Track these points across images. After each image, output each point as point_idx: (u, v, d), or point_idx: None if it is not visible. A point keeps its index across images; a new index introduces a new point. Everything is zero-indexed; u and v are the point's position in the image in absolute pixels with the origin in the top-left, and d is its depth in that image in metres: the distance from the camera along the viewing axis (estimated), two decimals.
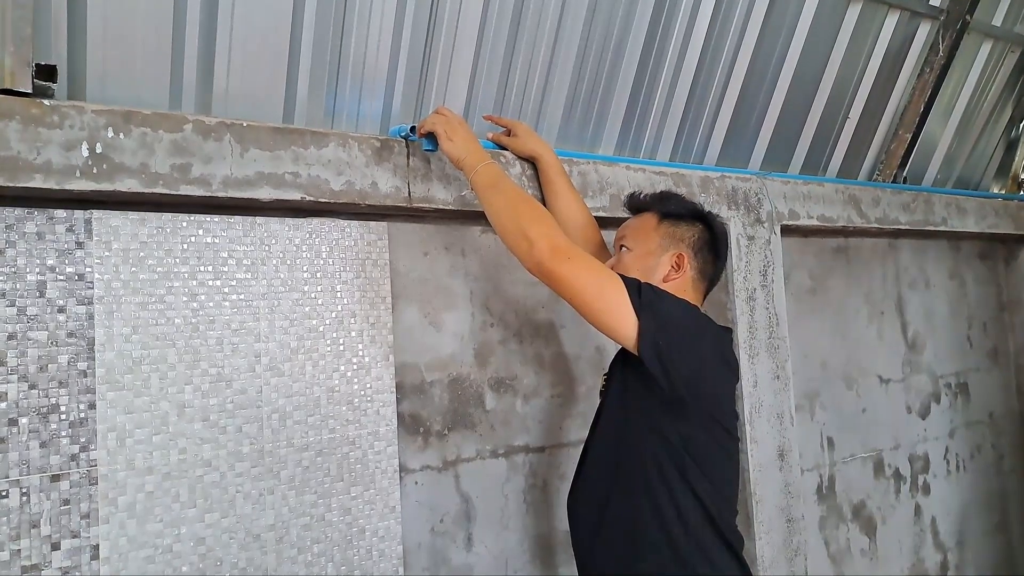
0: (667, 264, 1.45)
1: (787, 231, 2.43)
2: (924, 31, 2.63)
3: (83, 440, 1.29)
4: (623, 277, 1.31)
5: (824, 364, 2.63)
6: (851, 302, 2.73)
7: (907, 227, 2.68)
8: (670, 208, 1.51)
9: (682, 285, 1.44)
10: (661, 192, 1.62)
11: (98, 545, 1.29)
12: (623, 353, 1.42)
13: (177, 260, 1.41)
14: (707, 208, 1.56)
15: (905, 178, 2.82)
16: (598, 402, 1.58)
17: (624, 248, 1.51)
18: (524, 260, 1.32)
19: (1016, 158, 3.26)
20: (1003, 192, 3.31)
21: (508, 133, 1.75)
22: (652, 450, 1.34)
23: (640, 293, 1.28)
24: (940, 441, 2.98)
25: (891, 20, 2.53)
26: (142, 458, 1.35)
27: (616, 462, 1.41)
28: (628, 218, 1.58)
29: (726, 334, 1.48)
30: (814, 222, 2.39)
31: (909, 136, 2.73)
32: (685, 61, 2.15)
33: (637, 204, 1.57)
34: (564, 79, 1.97)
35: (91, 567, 1.29)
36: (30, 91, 1.20)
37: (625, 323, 1.27)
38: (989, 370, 3.21)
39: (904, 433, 2.85)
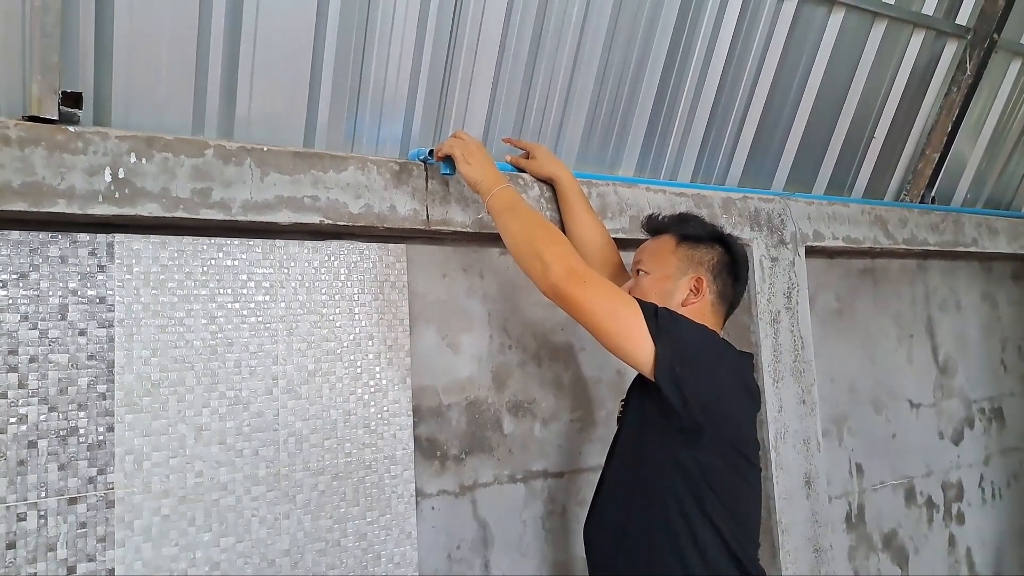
0: (685, 288, 1.42)
1: (812, 252, 2.39)
2: (951, 50, 2.59)
3: (101, 463, 1.30)
4: (640, 301, 1.29)
5: (852, 388, 2.57)
6: (879, 324, 2.67)
7: (936, 248, 2.62)
8: (688, 230, 1.48)
9: (701, 309, 1.41)
10: (680, 214, 1.60)
11: (113, 569, 1.29)
12: (640, 379, 1.39)
13: (197, 283, 1.42)
14: (728, 230, 1.54)
15: (933, 198, 2.76)
16: (616, 428, 1.55)
17: (641, 271, 1.49)
18: (539, 283, 1.31)
19: None
20: None
21: (527, 155, 1.75)
22: (670, 480, 1.31)
23: (657, 317, 1.26)
24: (974, 468, 2.89)
25: (916, 39, 2.50)
26: (159, 481, 1.35)
27: (633, 491, 1.38)
28: (647, 240, 1.56)
29: (747, 359, 1.45)
30: (839, 243, 2.35)
31: (937, 156, 2.68)
32: (706, 80, 2.14)
33: (655, 226, 1.55)
34: (584, 100, 1.96)
35: None
36: (56, 118, 1.22)
37: (641, 348, 1.25)
38: None
39: (936, 460, 2.77)
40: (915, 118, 2.66)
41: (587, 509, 1.53)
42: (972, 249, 2.74)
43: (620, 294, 1.31)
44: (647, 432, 1.38)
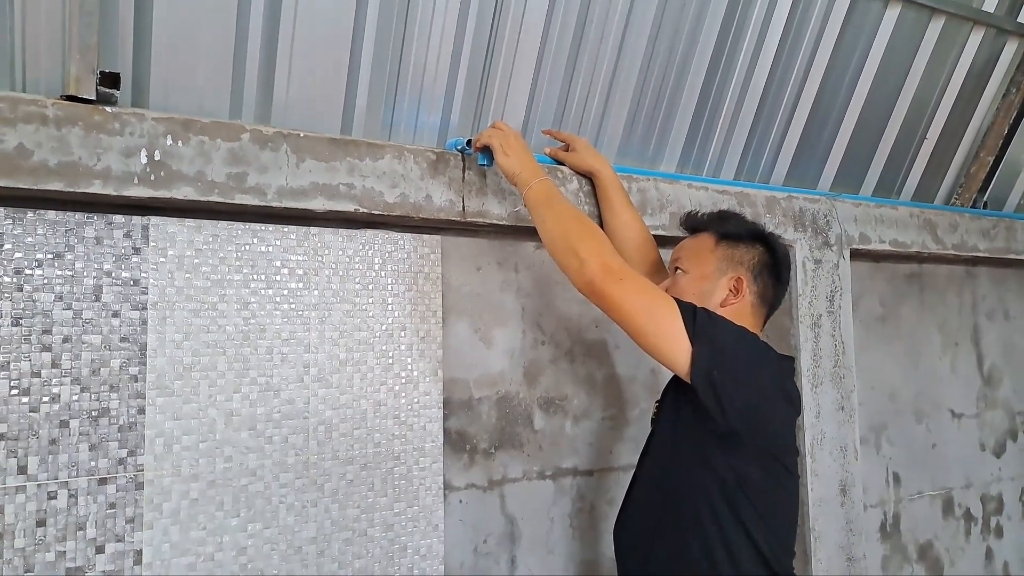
0: (725, 288, 1.37)
1: (857, 255, 2.31)
2: (1011, 49, 2.48)
3: (131, 444, 1.30)
4: (678, 301, 1.25)
5: (893, 396, 2.49)
6: (923, 331, 2.58)
7: (986, 254, 2.52)
8: (729, 229, 1.43)
9: (740, 310, 1.37)
10: (720, 211, 1.55)
11: (141, 550, 1.29)
12: (676, 380, 1.35)
13: (231, 268, 1.41)
14: (771, 230, 1.48)
15: (986, 203, 2.66)
16: (650, 428, 1.51)
17: (679, 270, 1.44)
18: (574, 279, 1.27)
19: None
20: None
21: (566, 148, 1.71)
22: (703, 485, 1.27)
23: (695, 318, 1.22)
24: (1016, 482, 2.79)
25: (975, 37, 2.39)
26: (188, 465, 1.35)
27: (665, 495, 1.34)
28: (685, 237, 1.52)
29: (787, 364, 1.40)
30: (886, 247, 2.27)
31: (991, 159, 2.57)
32: (754, 75, 2.07)
33: (694, 223, 1.50)
34: (627, 93, 1.91)
35: (133, 572, 1.29)
36: (94, 98, 1.21)
37: (678, 350, 1.20)
38: None
39: (976, 471, 2.68)
40: (970, 120, 2.55)
41: (617, 509, 1.50)
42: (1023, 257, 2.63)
43: (658, 293, 1.27)
44: (681, 435, 1.34)
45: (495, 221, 1.60)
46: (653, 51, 1.89)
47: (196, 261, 1.38)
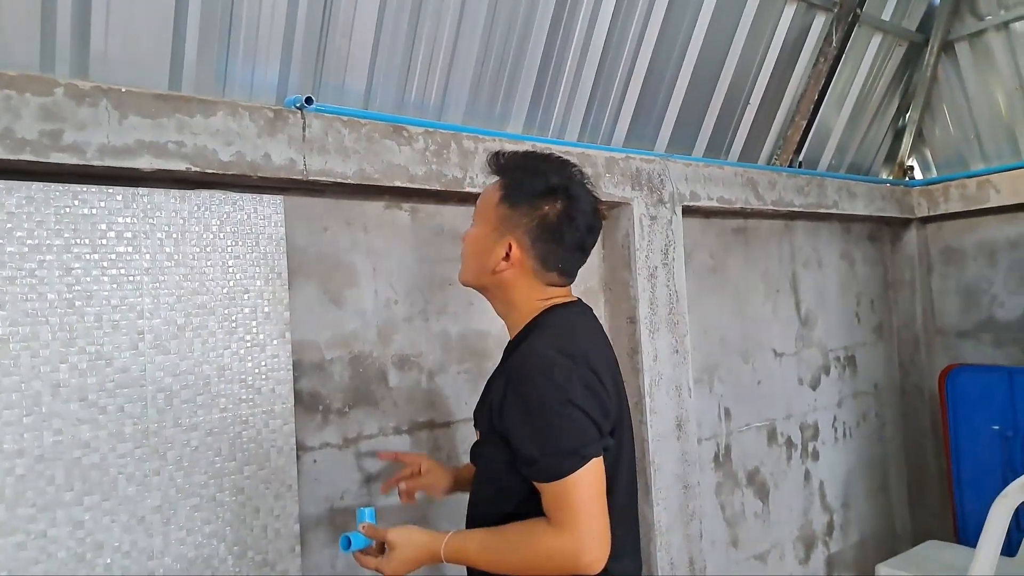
0: (499, 253, 1.26)
1: (689, 212, 2.51)
2: (819, 22, 2.75)
3: None
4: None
5: (723, 339, 2.74)
6: (749, 280, 2.86)
7: (801, 209, 2.82)
8: (512, 188, 1.27)
9: (519, 276, 1.27)
10: (523, 155, 1.34)
11: None
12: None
13: (50, 232, 1.33)
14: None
15: (800, 163, 2.95)
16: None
17: (473, 221, 1.34)
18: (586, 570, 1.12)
19: (902, 146, 3.46)
20: (890, 178, 3.52)
21: (415, 472, 1.56)
22: None
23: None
24: (829, 411, 3.18)
25: (789, 10, 2.63)
26: (11, 440, 1.28)
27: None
28: None
29: (594, 352, 1.25)
30: (714, 203, 2.48)
31: (804, 123, 2.86)
32: (592, 41, 2.18)
33: (495, 166, 1.32)
34: (471, 53, 1.95)
35: None
36: None
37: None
38: (875, 344, 3.44)
39: (796, 403, 3.02)
40: (787, 87, 2.81)
41: (471, 456, 1.52)
42: (833, 211, 2.96)
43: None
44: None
45: (340, 180, 1.61)
46: (495, 13, 1.94)
47: (9, 226, 1.29)
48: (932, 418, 3.41)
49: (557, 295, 1.30)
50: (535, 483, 1.14)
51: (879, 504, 3.39)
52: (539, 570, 1.13)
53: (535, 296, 1.28)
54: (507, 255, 1.26)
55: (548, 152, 1.36)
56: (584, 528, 1.09)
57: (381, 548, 1.26)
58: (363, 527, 1.28)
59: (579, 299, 1.35)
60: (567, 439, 1.12)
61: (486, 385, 1.38)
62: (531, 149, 1.36)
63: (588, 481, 1.11)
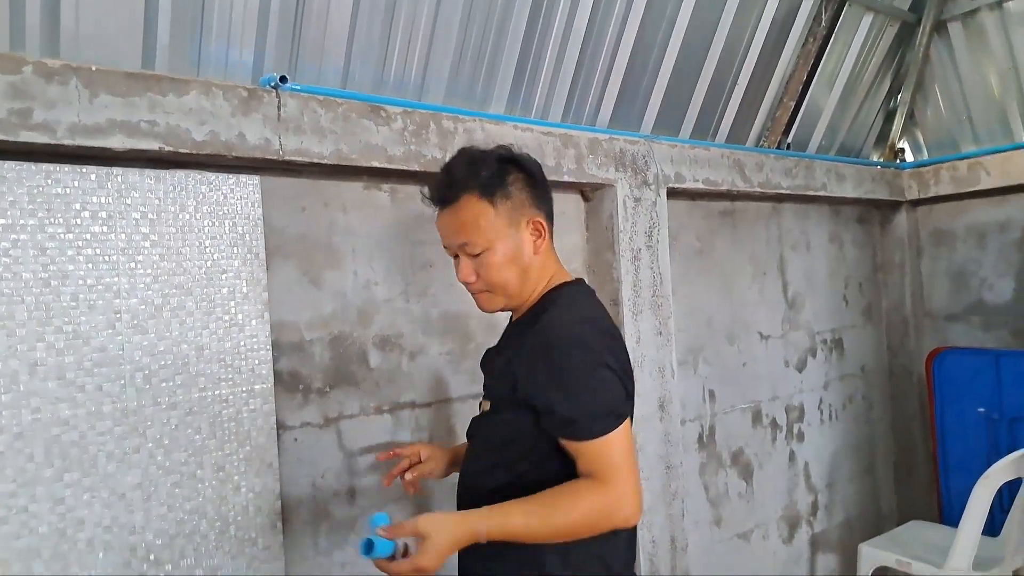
0: (528, 237, 1.31)
1: (675, 194, 2.51)
2: (809, 2, 2.72)
3: None
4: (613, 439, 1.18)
5: (709, 321, 2.76)
6: (736, 263, 2.86)
7: (789, 192, 2.82)
8: (483, 178, 1.27)
9: (548, 245, 1.34)
10: (450, 165, 1.32)
11: None
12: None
13: (23, 212, 1.33)
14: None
15: (789, 144, 2.94)
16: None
17: (480, 254, 1.28)
18: (628, 524, 1.19)
19: (893, 128, 3.45)
20: (881, 160, 3.50)
21: (415, 461, 1.55)
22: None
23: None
24: (815, 393, 3.20)
25: None
26: None
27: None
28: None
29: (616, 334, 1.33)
30: (700, 185, 2.48)
31: (793, 104, 2.85)
32: (576, 18, 2.16)
33: (446, 194, 1.29)
34: (451, 31, 1.94)
35: None
36: None
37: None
38: (863, 327, 3.45)
39: (782, 385, 3.04)
40: (775, 68, 2.80)
41: (457, 437, 1.55)
42: (821, 193, 2.95)
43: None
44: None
45: (316, 160, 1.61)
46: None
47: None
48: (920, 401, 3.43)
49: (560, 272, 1.38)
50: (570, 443, 1.19)
51: (865, 485, 3.42)
52: (585, 528, 1.16)
53: (550, 266, 1.36)
54: (533, 229, 1.31)
55: (452, 157, 1.37)
56: (625, 482, 1.16)
57: (404, 551, 1.15)
58: (382, 530, 1.15)
59: (581, 279, 1.42)
60: (604, 400, 1.18)
61: (487, 358, 1.45)
62: (444, 162, 1.37)
63: (624, 439, 1.18)
